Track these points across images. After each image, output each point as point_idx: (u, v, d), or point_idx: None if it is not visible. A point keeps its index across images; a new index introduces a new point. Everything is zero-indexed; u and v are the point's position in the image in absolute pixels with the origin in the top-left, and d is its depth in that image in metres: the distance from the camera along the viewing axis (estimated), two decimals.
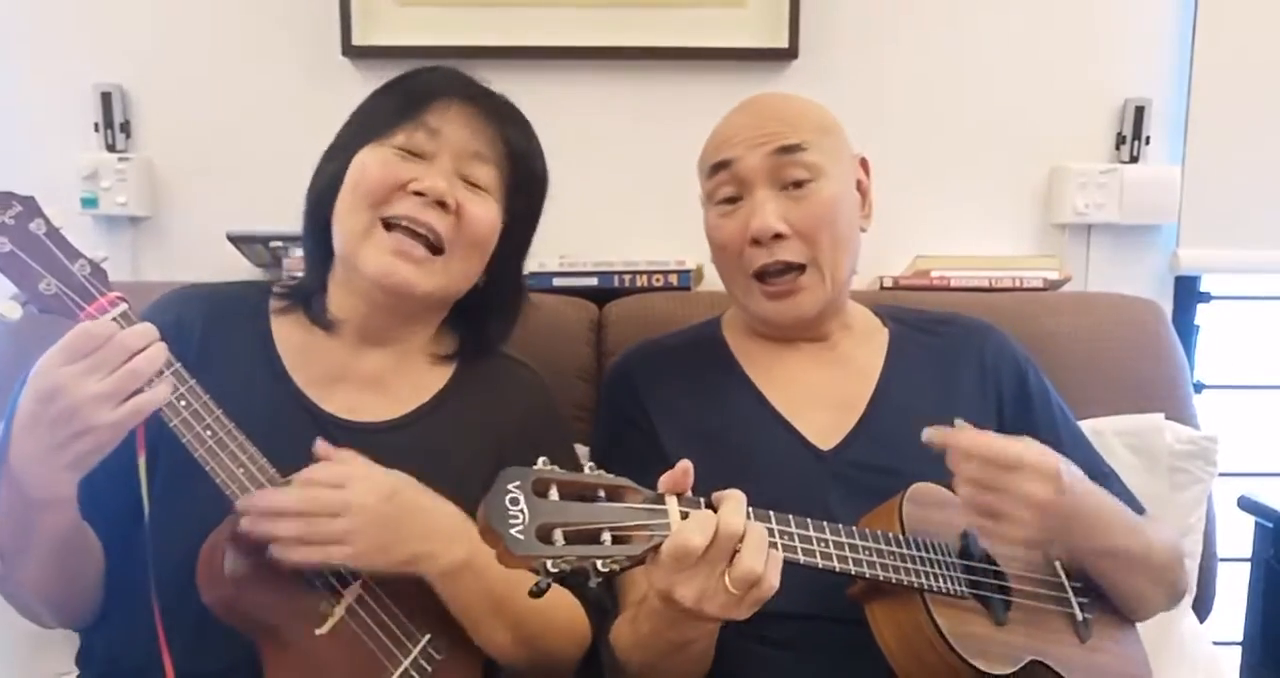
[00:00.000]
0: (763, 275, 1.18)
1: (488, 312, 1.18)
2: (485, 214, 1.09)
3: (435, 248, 1.06)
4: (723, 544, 0.82)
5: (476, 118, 1.09)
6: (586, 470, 0.81)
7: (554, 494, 0.77)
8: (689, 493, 0.86)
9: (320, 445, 0.97)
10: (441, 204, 1.05)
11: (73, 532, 0.96)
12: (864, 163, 1.26)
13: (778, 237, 1.15)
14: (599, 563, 0.76)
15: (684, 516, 0.82)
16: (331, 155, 1.12)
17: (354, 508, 0.92)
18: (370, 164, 1.06)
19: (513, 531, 0.73)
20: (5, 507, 0.90)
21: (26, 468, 0.87)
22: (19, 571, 0.97)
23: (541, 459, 0.79)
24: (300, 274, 1.19)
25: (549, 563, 0.73)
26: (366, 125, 1.10)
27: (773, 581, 0.85)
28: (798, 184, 1.16)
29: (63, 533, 0.95)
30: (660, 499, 0.83)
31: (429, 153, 1.07)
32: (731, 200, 1.19)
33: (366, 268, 1.05)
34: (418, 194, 1.05)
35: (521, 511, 0.74)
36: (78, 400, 0.83)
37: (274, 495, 0.92)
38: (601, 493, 0.80)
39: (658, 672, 1.04)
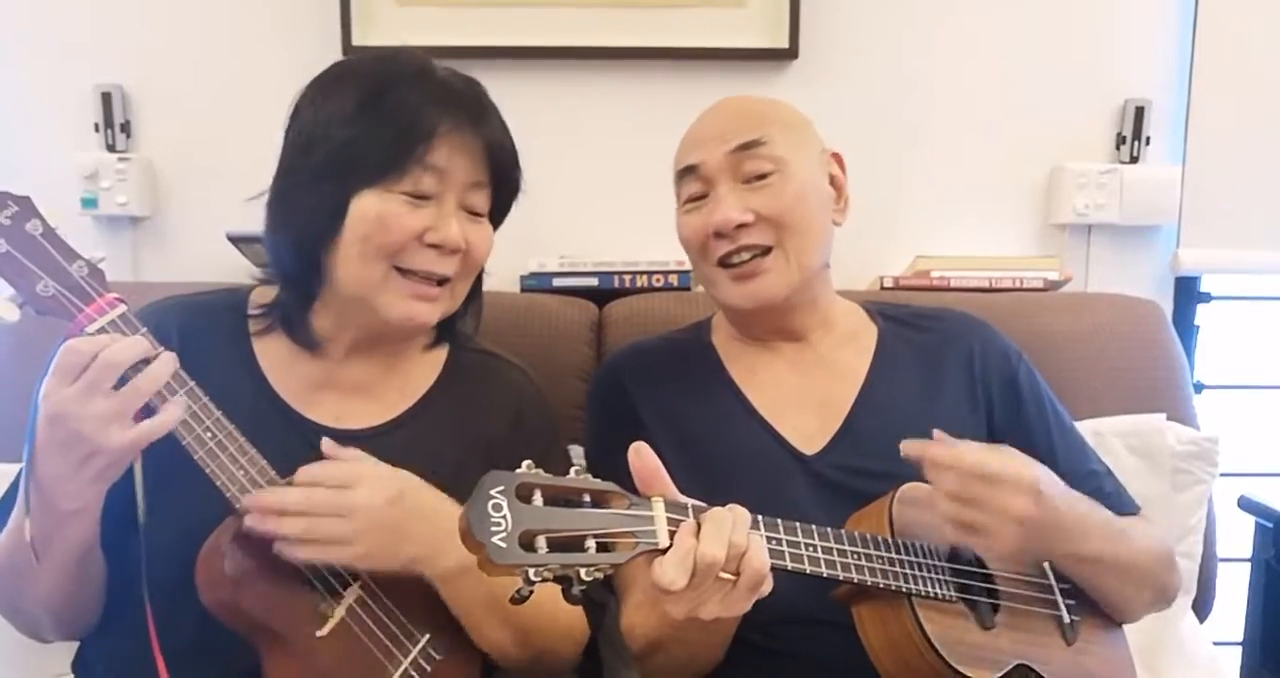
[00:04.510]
0: (727, 263, 1.17)
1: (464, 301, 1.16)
2: (486, 240, 1.09)
3: (444, 281, 1.06)
4: (703, 574, 0.80)
5: (474, 143, 1.04)
6: (572, 474, 0.79)
7: (538, 499, 0.75)
8: (671, 492, 0.84)
9: (327, 444, 0.97)
10: (454, 250, 1.04)
11: (94, 542, 0.96)
12: (837, 157, 1.25)
13: (741, 227, 1.15)
14: (583, 571, 0.73)
15: (670, 522, 0.81)
16: (316, 184, 1.01)
17: (359, 510, 0.93)
18: (384, 216, 1.00)
19: (495, 538, 0.71)
20: (34, 519, 0.90)
21: (53, 485, 0.88)
22: (37, 581, 0.96)
23: (526, 463, 0.76)
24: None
25: (531, 572, 0.71)
26: (360, 159, 1.00)
27: (758, 564, 0.83)
28: (760, 177, 1.16)
29: (86, 543, 0.95)
30: (647, 505, 0.81)
31: (435, 193, 1.02)
32: (697, 198, 1.19)
33: (389, 314, 1.03)
34: (432, 246, 1.02)
35: (504, 517, 0.72)
36: (82, 424, 0.84)
37: (280, 494, 0.92)
38: (587, 498, 0.78)
39: (687, 645, 1.03)
